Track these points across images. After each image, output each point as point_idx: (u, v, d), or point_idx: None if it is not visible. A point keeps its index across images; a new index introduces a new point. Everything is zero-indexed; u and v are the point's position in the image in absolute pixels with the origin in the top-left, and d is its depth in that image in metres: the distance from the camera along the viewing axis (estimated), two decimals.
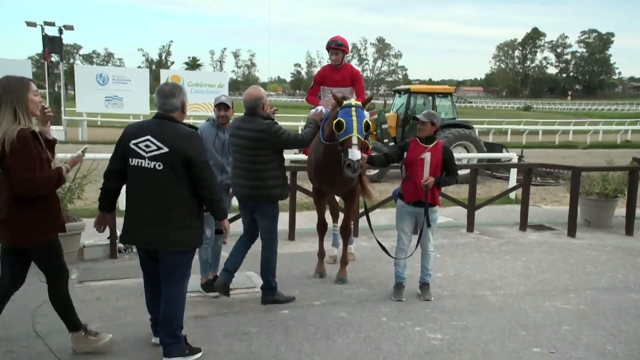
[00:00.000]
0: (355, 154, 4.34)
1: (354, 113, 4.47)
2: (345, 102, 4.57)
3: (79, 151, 3.56)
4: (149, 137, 3.38)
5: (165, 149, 3.35)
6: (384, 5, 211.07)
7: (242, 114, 4.57)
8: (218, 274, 4.82)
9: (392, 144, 13.67)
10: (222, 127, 4.68)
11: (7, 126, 3.05)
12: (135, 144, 3.39)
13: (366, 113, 4.60)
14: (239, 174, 4.51)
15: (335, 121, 4.49)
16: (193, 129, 3.53)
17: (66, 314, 3.52)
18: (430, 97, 14.51)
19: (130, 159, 3.41)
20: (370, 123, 4.64)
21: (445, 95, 14.94)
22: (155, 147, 3.36)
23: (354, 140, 4.38)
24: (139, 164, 3.38)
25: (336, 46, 5.37)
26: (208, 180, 3.46)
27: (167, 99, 3.46)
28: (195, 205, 3.49)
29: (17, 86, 3.13)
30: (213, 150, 4.58)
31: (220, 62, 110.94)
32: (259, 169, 4.39)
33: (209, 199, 3.51)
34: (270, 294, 4.66)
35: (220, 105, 4.65)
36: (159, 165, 3.35)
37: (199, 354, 3.60)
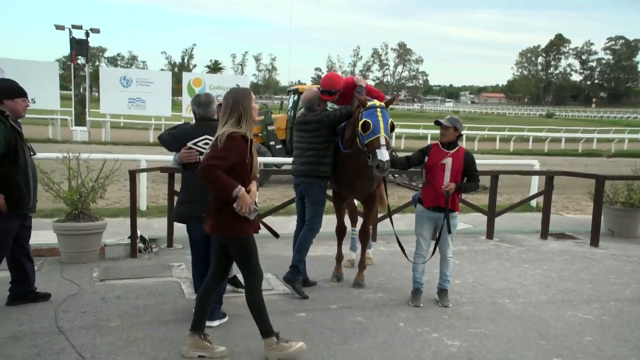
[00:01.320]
0: (384, 154, 4.34)
1: (379, 113, 4.46)
2: (369, 103, 4.56)
3: (254, 205, 3.42)
4: (206, 136, 3.98)
5: None
6: (405, 9, 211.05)
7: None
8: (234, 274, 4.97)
9: (279, 146, 13.21)
10: None
11: (227, 127, 3.41)
12: (194, 144, 4.00)
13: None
14: (297, 153, 5.06)
15: (361, 122, 4.48)
16: None
17: (256, 318, 3.58)
18: None
19: None
20: (395, 124, 4.62)
21: None
22: None
23: (382, 141, 4.38)
24: (199, 160, 3.85)
25: (329, 95, 5.01)
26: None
27: (207, 107, 4.09)
28: None
29: (243, 96, 3.49)
30: None
31: (241, 65, 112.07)
32: (314, 148, 4.93)
33: None
34: (293, 273, 4.88)
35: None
36: None
37: (226, 319, 4.19)
